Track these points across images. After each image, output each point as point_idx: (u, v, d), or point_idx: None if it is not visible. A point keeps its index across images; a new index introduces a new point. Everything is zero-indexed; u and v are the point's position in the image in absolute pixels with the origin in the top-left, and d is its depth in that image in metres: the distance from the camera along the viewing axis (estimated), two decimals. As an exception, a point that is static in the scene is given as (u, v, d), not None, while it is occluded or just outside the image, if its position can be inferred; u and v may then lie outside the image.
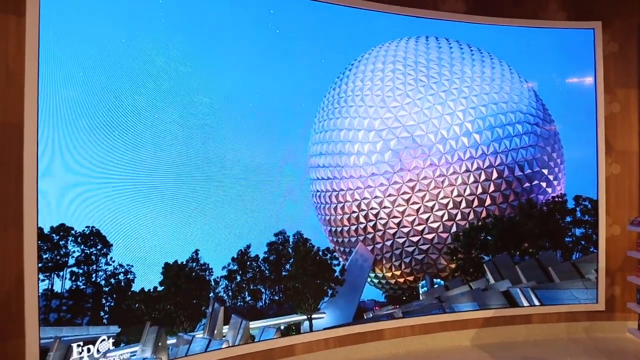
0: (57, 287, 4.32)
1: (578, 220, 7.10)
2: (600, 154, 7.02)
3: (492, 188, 6.61)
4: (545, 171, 6.90)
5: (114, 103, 4.68)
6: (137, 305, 4.80)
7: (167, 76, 4.97)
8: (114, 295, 4.67)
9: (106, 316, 4.63)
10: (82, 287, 4.50)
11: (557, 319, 7.01)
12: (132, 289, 4.79)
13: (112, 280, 4.67)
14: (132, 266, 4.78)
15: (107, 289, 4.63)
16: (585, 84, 7.12)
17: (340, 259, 6.16)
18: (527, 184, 6.79)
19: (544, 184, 6.88)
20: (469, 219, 6.55)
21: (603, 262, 7.00)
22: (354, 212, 6.13)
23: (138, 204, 4.80)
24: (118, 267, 4.72)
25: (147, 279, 4.90)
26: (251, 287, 5.53)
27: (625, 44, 6.98)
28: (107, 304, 4.65)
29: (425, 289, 6.57)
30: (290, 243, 5.74)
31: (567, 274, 7.04)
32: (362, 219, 6.10)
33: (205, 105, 5.18)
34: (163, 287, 4.96)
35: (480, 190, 6.56)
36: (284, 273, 5.71)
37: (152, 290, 4.89)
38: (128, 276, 4.77)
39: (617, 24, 6.98)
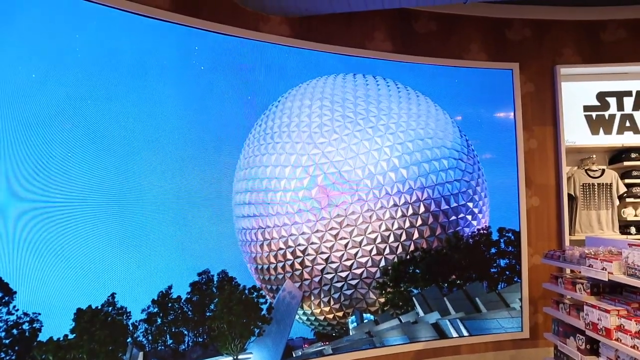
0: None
1: (502, 251, 7.36)
2: (521, 187, 7.35)
3: (419, 222, 6.75)
4: (471, 204, 7.13)
5: (23, 137, 4.48)
6: (43, 356, 4.51)
7: (83, 111, 4.81)
8: (16, 348, 4.37)
9: (7, 370, 4.32)
10: (-22, 340, 4.18)
11: (484, 348, 7.18)
12: (39, 339, 4.50)
13: (14, 331, 4.37)
14: (39, 314, 4.50)
15: (6, 342, 4.32)
16: (506, 120, 7.48)
17: (268, 297, 6.07)
18: (453, 217, 6.99)
19: (469, 217, 7.10)
20: (397, 252, 6.65)
21: (526, 291, 7.27)
22: (280, 248, 6.08)
23: (46, 244, 4.56)
24: (22, 315, 4.43)
25: (57, 328, 4.62)
26: (173, 330, 5.33)
27: (540, 85, 7.42)
28: (7, 357, 4.34)
29: (355, 324, 6.57)
30: (215, 282, 5.61)
31: (493, 303, 7.25)
32: (289, 256, 6.06)
33: (123, 139, 5.04)
34: (74, 335, 4.69)
35: (408, 224, 6.68)
36: (208, 314, 5.56)
37: (62, 338, 4.62)
38: (34, 325, 4.49)
39: (533, 66, 7.42)
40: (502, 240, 7.35)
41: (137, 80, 5.23)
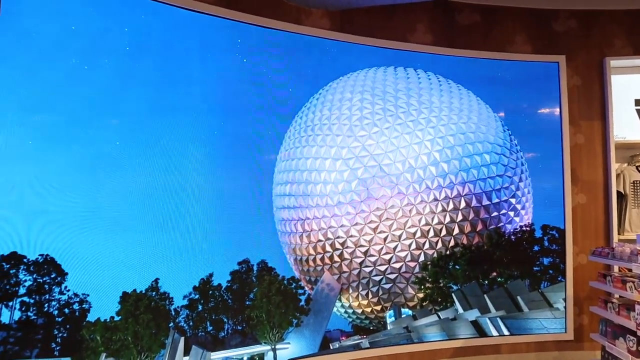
0: (5, 319, 4.19)
1: (546, 250, 7.15)
2: (566, 184, 7.12)
3: (460, 217, 6.64)
4: (513, 200, 6.96)
5: (79, 133, 4.66)
6: (91, 335, 4.67)
7: (132, 106, 4.97)
8: (67, 326, 4.54)
9: (58, 348, 4.50)
10: (32, 317, 4.37)
11: (526, 349, 6.99)
12: (87, 319, 4.66)
13: (66, 310, 4.55)
14: (88, 295, 4.67)
15: (59, 319, 4.50)
16: (551, 115, 7.27)
17: (306, 288, 6.09)
18: (495, 213, 6.84)
19: (511, 213, 6.93)
20: (437, 248, 6.56)
21: (571, 291, 7.03)
22: (319, 240, 6.10)
23: (97, 232, 4.72)
24: (73, 296, 4.60)
25: (104, 309, 4.78)
26: (213, 317, 5.43)
27: (588, 78, 7.17)
28: (60, 334, 4.52)
29: (392, 318, 6.51)
30: (254, 272, 5.67)
31: (535, 303, 7.05)
32: (328, 248, 6.07)
33: (168, 134, 5.17)
34: (120, 317, 4.84)
35: (448, 219, 6.59)
36: (247, 302, 5.63)
37: (108, 320, 4.78)
38: (83, 305, 4.66)
39: (580, 59, 7.18)
40: (545, 238, 7.14)
41: (181, 72, 5.35)
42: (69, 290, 4.63)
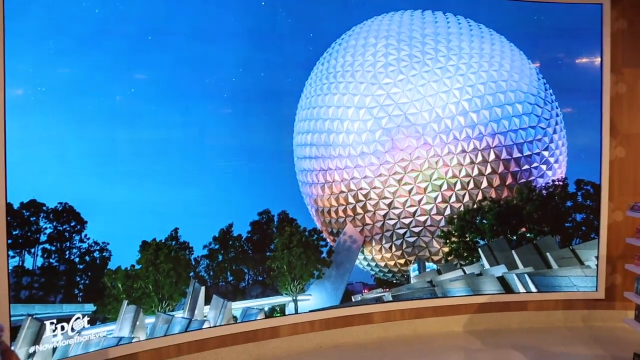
0: (29, 264, 4.21)
1: (579, 205, 6.84)
2: (604, 137, 6.70)
3: (488, 170, 6.36)
4: (546, 153, 6.62)
5: (99, 85, 4.54)
6: (113, 283, 4.69)
7: (147, 60, 4.79)
8: (89, 273, 4.56)
9: (81, 294, 4.53)
10: (54, 264, 4.39)
11: (554, 306, 6.80)
12: (108, 267, 4.67)
13: (87, 258, 4.56)
14: (108, 244, 4.66)
15: (81, 267, 4.52)
16: (591, 63, 6.79)
17: (328, 240, 5.99)
18: (526, 166, 6.54)
19: (544, 167, 6.62)
20: (464, 201, 6.33)
21: (604, 249, 6.74)
22: (342, 192, 5.94)
23: (115, 181, 4.66)
24: (93, 244, 4.60)
25: (124, 257, 4.78)
26: (233, 267, 5.40)
27: (635, 21, 6.61)
28: (82, 281, 4.54)
29: (416, 272, 6.40)
30: (275, 223, 5.58)
31: (565, 260, 6.80)
32: (351, 199, 5.92)
33: (185, 81, 5.00)
34: (140, 266, 4.84)
35: (476, 171, 6.33)
36: (268, 253, 5.57)
37: (129, 268, 4.78)
38: (104, 254, 4.66)
39: (627, 0, 6.60)
40: (579, 194, 6.81)
41: (199, 13, 5.12)
42: (89, 239, 4.62)
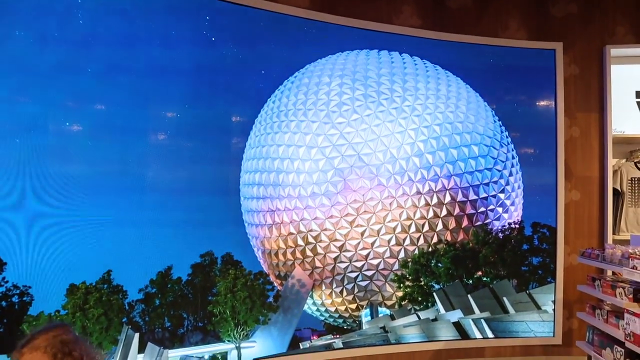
0: None
1: (535, 249, 6.77)
2: (559, 179, 6.70)
3: (444, 212, 6.25)
4: (502, 196, 6.56)
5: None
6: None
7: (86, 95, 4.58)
8: (4, 320, 4.20)
9: (-6, 343, 4.16)
10: (-36, 310, 4.03)
11: (511, 352, 6.62)
12: (29, 313, 4.32)
13: (3, 303, 4.20)
14: (30, 287, 4.32)
15: (-4, 313, 4.16)
16: (545, 106, 6.84)
17: (275, 284, 5.74)
18: (482, 209, 6.45)
19: (500, 209, 6.54)
20: (419, 244, 6.18)
21: (561, 293, 6.64)
22: (291, 233, 5.73)
23: (41, 217, 4.36)
24: (12, 288, 4.26)
25: (48, 302, 4.43)
26: (172, 313, 5.08)
27: (586, 67, 6.72)
28: (-3, 329, 4.18)
29: (368, 318, 6.16)
30: (218, 265, 5.32)
31: (523, 304, 6.67)
32: (300, 242, 5.70)
33: (124, 109, 4.79)
34: (66, 311, 4.50)
35: (431, 214, 6.20)
36: (209, 298, 5.28)
37: (53, 314, 4.43)
38: (24, 298, 4.31)
39: (578, 46, 6.72)
40: (535, 237, 6.75)
41: (142, 47, 4.96)
42: (7, 282, 4.28)
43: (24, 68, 4.24)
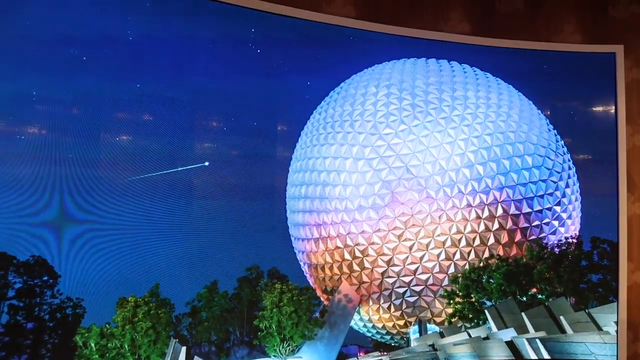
0: (-6, 322, 3.96)
1: (595, 265, 6.39)
2: (621, 191, 6.29)
3: (496, 226, 6.00)
4: (558, 209, 6.24)
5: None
6: (85, 342, 4.40)
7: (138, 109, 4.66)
8: (59, 331, 4.28)
9: (48, 354, 4.24)
10: (21, 321, 4.12)
11: (569, 375, 6.23)
12: (81, 325, 4.39)
13: (58, 315, 4.29)
14: (82, 300, 4.39)
15: (51, 324, 4.24)
16: (605, 113, 6.47)
17: (321, 299, 5.64)
18: (536, 222, 6.16)
19: (556, 223, 6.22)
20: (469, 259, 5.94)
21: (624, 313, 6.20)
22: (338, 247, 5.63)
23: (94, 231, 4.44)
24: (66, 300, 4.34)
25: (100, 315, 4.50)
26: (218, 326, 5.06)
27: (650, 71, 6.31)
28: (51, 340, 4.26)
29: (417, 335, 5.97)
30: (264, 279, 5.27)
31: (582, 325, 6.29)
32: (347, 256, 5.59)
33: (171, 128, 4.83)
34: (116, 324, 4.55)
35: (482, 227, 5.96)
36: (256, 312, 5.23)
37: (104, 326, 4.49)
38: (77, 310, 4.39)
39: (642, 49, 6.33)
40: (595, 252, 6.37)
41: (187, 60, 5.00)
42: (61, 294, 4.37)
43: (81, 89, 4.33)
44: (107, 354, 4.48)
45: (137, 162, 4.63)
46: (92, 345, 4.42)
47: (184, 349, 4.87)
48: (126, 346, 4.58)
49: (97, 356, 4.40)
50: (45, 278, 4.22)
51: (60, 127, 4.27)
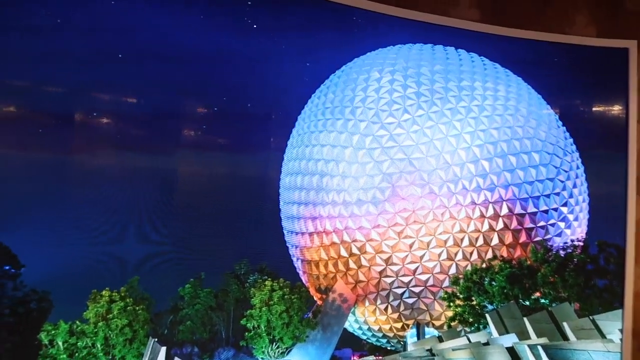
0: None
1: (601, 269, 6.10)
2: (630, 193, 6.00)
3: (500, 225, 5.68)
4: (565, 210, 5.95)
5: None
6: (51, 340, 3.93)
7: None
8: (21, 328, 3.80)
9: (8, 354, 3.76)
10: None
11: (571, 384, 5.94)
12: (47, 321, 3.92)
13: (20, 309, 3.81)
14: (50, 293, 3.92)
15: (11, 320, 3.77)
16: (615, 111, 6.18)
17: (315, 298, 5.25)
18: (542, 223, 5.86)
19: (562, 225, 5.94)
20: (472, 259, 5.62)
21: (629, 321, 5.92)
22: (334, 243, 5.25)
23: (61, 223, 3.96)
24: (30, 293, 3.86)
25: (69, 310, 4.04)
26: (202, 326, 4.63)
27: (665, 68, 6.04)
28: (11, 337, 3.78)
29: (414, 338, 5.65)
30: (254, 275, 4.86)
31: (585, 332, 6.00)
32: (343, 252, 5.22)
33: (162, 107, 4.37)
34: (87, 321, 4.09)
35: (486, 226, 5.65)
36: (243, 311, 4.82)
37: (74, 323, 4.03)
38: (42, 304, 3.91)
39: (657, 44, 6.05)
40: (601, 256, 6.09)
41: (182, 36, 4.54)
42: (25, 287, 3.90)
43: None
44: (77, 354, 4.03)
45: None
46: (60, 343, 3.98)
47: (163, 349, 4.46)
48: (99, 345, 4.14)
49: (64, 356, 3.95)
50: (7, 268, 3.75)
51: None
